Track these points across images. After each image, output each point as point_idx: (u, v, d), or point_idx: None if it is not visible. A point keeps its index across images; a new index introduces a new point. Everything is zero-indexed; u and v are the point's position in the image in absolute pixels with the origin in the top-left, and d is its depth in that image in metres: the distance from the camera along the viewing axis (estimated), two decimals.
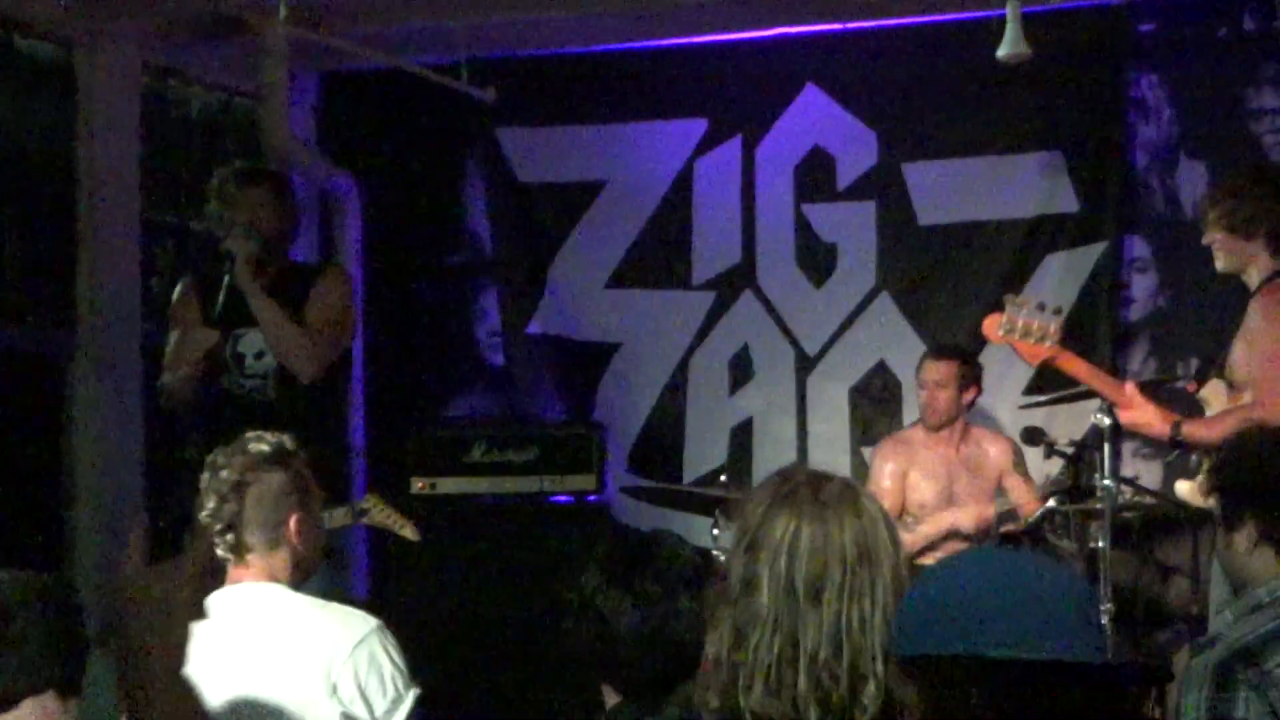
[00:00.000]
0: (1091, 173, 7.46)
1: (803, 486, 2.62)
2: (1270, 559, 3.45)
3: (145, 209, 7.18)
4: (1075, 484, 6.14)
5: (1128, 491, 6.18)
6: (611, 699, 3.19)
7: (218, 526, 3.86)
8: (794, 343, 7.86)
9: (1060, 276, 7.47)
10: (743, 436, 7.90)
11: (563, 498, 7.56)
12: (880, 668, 2.50)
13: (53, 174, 6.85)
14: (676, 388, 7.99)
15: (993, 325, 5.75)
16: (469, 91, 7.67)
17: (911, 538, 6.64)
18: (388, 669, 3.83)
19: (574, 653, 3.18)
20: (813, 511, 2.58)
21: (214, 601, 3.94)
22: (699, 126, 7.98)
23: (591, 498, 7.55)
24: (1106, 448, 5.56)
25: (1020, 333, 5.67)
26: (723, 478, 7.05)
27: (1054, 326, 5.65)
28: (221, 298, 5.76)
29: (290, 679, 3.79)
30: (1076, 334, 7.31)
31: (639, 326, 8.04)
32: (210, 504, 3.87)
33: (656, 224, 8.01)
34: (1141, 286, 7.48)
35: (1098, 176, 7.46)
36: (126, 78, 7.06)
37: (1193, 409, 5.67)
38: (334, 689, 3.77)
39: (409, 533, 5.87)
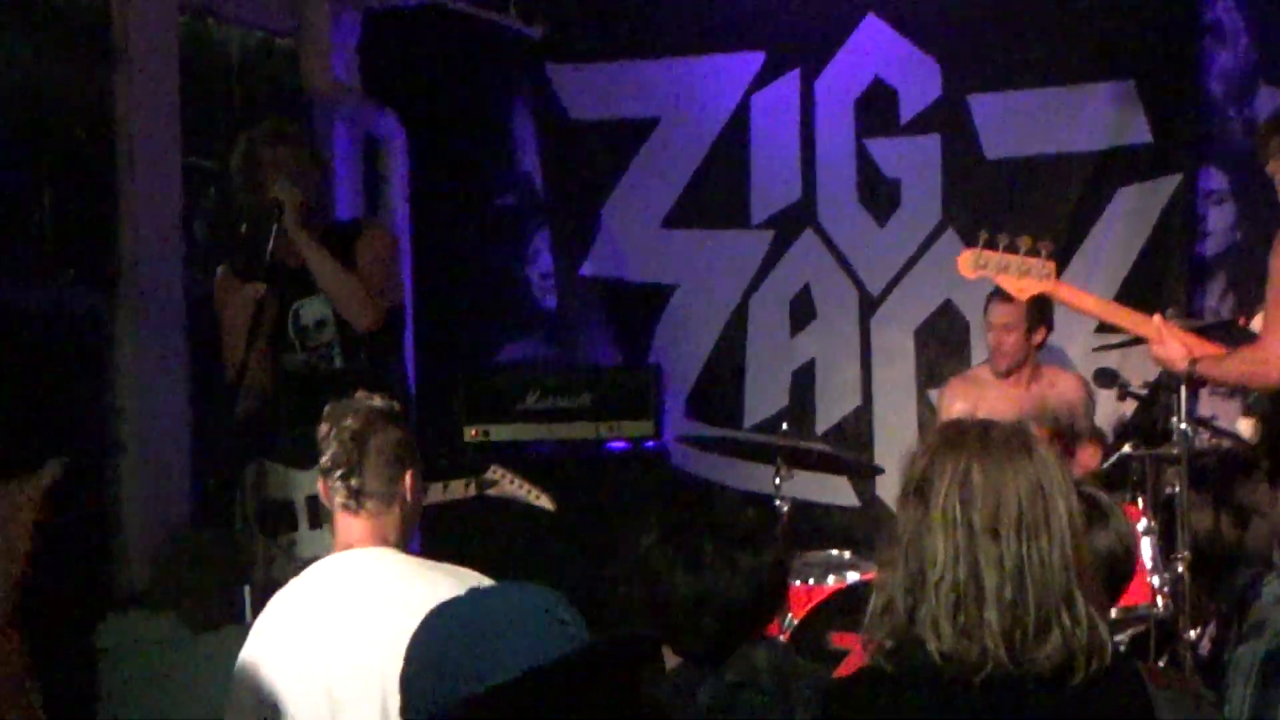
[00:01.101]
0: (1164, 102, 7.28)
1: (970, 430, 2.69)
2: None
3: (186, 154, 7.06)
4: (1151, 427, 5.92)
5: (1205, 433, 5.92)
6: (672, 661, 3.15)
7: (339, 472, 3.85)
8: (857, 283, 7.71)
9: (1132, 211, 7.32)
10: (805, 380, 7.77)
11: (619, 444, 7.48)
12: (1066, 618, 2.55)
13: (91, 125, 6.74)
14: (736, 330, 7.86)
15: (966, 261, 5.38)
16: (517, 27, 7.53)
17: None
18: None
19: (627, 614, 3.19)
20: (982, 451, 2.63)
21: (324, 567, 3.89)
22: (756, 59, 7.81)
23: (649, 444, 7.48)
24: (1183, 389, 5.31)
25: (996, 268, 5.33)
26: (784, 424, 6.85)
27: (1042, 260, 5.31)
28: (270, 247, 5.56)
29: None
30: (1149, 270, 7.17)
31: (696, 267, 7.90)
32: (332, 449, 3.86)
33: (713, 161, 7.87)
34: (1218, 220, 7.30)
35: (1171, 106, 7.29)
36: (164, 19, 6.94)
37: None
38: None
39: (545, 502, 5.57)
